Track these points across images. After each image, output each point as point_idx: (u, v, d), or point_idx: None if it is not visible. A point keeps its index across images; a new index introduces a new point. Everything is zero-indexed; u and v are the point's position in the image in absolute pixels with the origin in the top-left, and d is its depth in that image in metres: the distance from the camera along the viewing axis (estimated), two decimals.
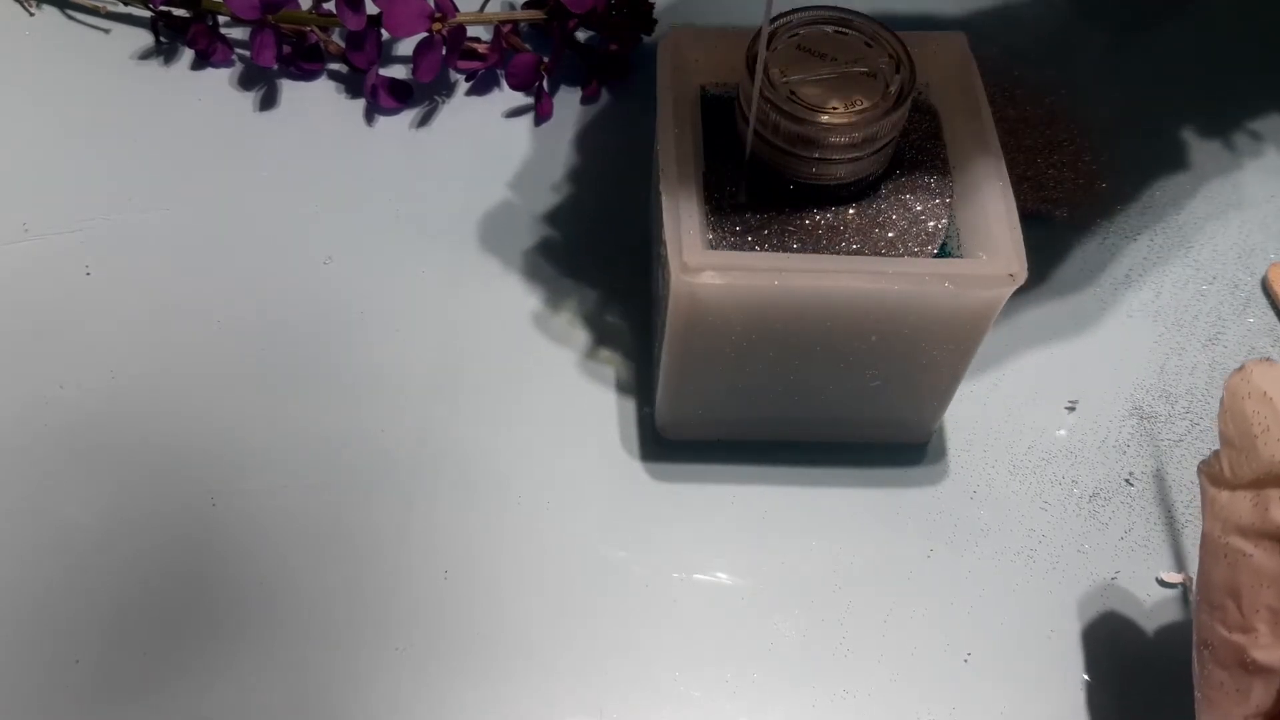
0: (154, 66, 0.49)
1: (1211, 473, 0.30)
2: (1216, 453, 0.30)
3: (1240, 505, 0.29)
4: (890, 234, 0.34)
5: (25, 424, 0.40)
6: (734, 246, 0.34)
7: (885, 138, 0.33)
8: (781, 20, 0.34)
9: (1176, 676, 0.33)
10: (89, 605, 0.36)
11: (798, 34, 0.34)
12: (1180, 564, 0.39)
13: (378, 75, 0.47)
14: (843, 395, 0.38)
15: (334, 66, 0.49)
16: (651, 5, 0.48)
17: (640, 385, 0.41)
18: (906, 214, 0.35)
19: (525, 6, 0.49)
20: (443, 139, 0.47)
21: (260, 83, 0.48)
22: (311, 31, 0.48)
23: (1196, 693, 0.31)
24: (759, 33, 0.34)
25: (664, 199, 0.34)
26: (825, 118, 0.33)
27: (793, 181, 0.34)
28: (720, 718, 0.36)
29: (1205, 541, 0.30)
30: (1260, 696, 0.28)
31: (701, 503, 0.39)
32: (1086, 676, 0.37)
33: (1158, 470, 0.40)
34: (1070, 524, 0.39)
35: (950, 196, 0.35)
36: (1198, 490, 0.40)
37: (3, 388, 0.40)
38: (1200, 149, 0.49)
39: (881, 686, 0.36)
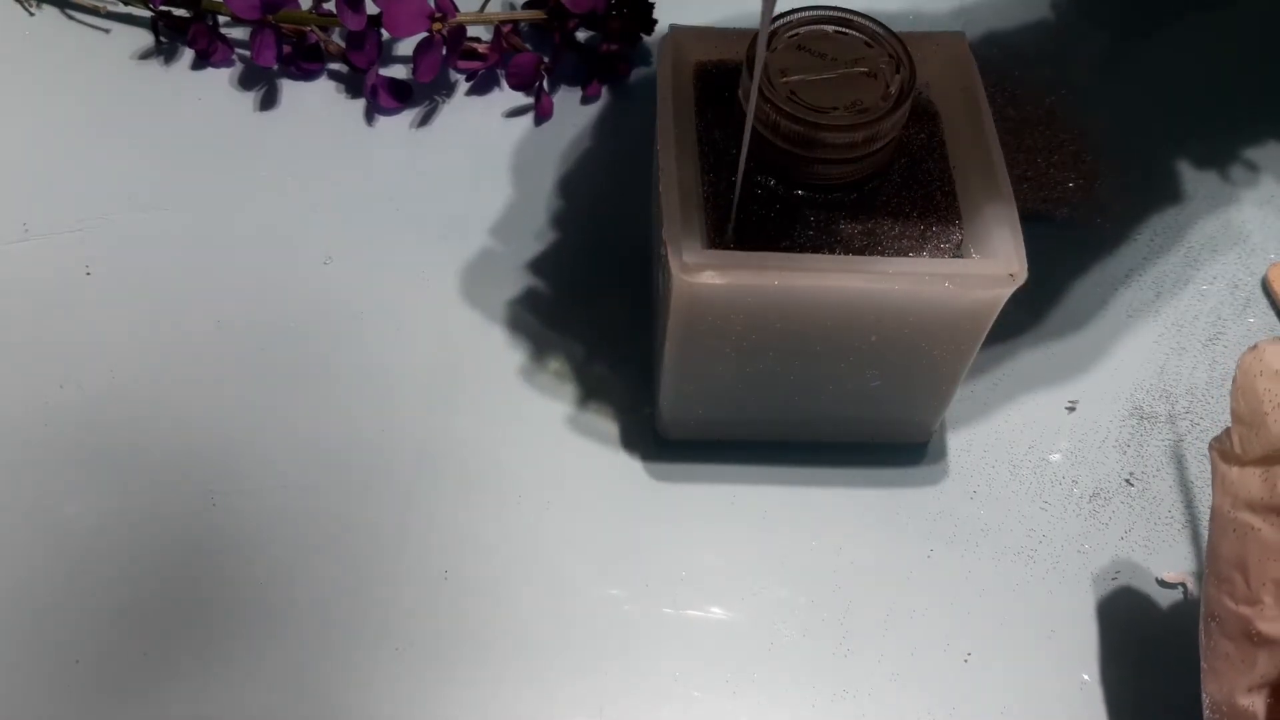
0: (154, 66, 0.49)
1: (1222, 449, 0.31)
2: (1228, 429, 0.31)
3: (1250, 481, 0.30)
4: (890, 234, 0.34)
5: (25, 424, 0.40)
6: (734, 246, 0.34)
7: (885, 138, 0.33)
8: (781, 20, 0.34)
9: (1177, 675, 0.33)
10: (89, 605, 0.36)
11: (798, 34, 0.34)
12: (1181, 564, 0.39)
13: (378, 75, 0.47)
14: (843, 395, 0.38)
15: (334, 66, 0.49)
16: (651, 5, 0.48)
17: (640, 385, 0.41)
18: (906, 214, 0.35)
19: (525, 6, 0.49)
20: (443, 139, 0.47)
21: (260, 83, 0.48)
22: (311, 31, 0.48)
23: (1203, 664, 0.31)
24: (759, 32, 0.34)
25: (664, 199, 0.34)
26: (825, 118, 0.33)
27: (793, 181, 0.34)
28: (720, 718, 0.36)
29: (1215, 516, 0.31)
30: (1265, 667, 0.29)
31: (701, 503, 0.39)
32: (1086, 676, 0.37)
33: (1158, 470, 0.40)
34: (1070, 524, 0.39)
35: (950, 197, 0.35)
36: (1198, 490, 0.40)
37: (3, 388, 0.40)
38: (1200, 149, 0.48)
39: (881, 686, 0.36)
